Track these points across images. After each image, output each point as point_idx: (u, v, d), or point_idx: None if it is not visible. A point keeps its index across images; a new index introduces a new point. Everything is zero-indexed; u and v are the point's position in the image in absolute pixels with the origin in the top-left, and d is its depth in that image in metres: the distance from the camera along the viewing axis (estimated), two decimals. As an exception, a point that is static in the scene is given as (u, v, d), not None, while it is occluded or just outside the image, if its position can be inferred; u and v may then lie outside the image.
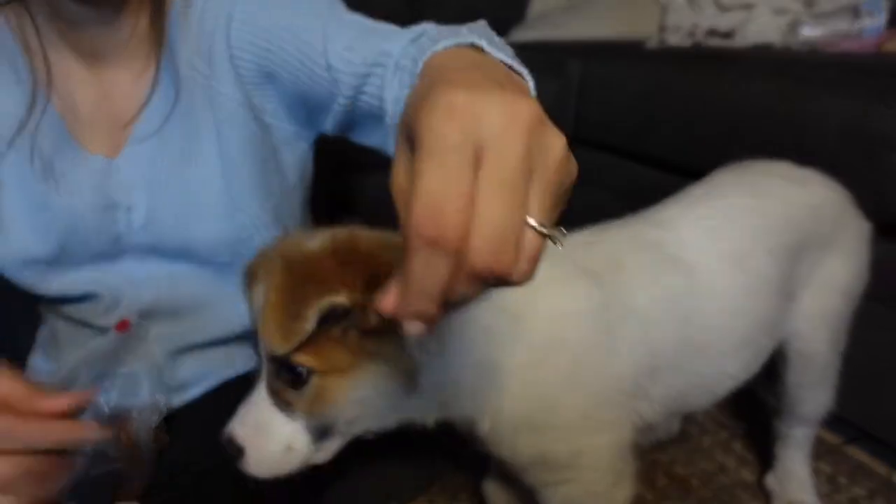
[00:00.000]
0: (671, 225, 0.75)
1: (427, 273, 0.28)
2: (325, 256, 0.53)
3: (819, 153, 0.86)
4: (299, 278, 0.52)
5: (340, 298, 0.51)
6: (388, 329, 0.51)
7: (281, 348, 0.53)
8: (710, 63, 1.39)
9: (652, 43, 1.69)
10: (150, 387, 0.71)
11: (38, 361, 0.81)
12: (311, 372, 0.55)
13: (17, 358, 0.81)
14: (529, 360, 0.63)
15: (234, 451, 0.57)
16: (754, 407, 1.15)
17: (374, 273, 0.49)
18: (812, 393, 0.90)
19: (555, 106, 1.57)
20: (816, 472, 1.03)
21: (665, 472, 1.08)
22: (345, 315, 0.53)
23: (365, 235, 0.56)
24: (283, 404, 0.57)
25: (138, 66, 0.69)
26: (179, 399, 0.77)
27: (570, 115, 1.59)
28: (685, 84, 1.30)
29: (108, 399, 0.67)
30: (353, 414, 0.58)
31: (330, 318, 0.52)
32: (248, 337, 0.81)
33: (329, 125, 0.72)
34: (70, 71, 0.68)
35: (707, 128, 1.24)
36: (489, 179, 0.27)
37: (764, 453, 1.07)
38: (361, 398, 0.57)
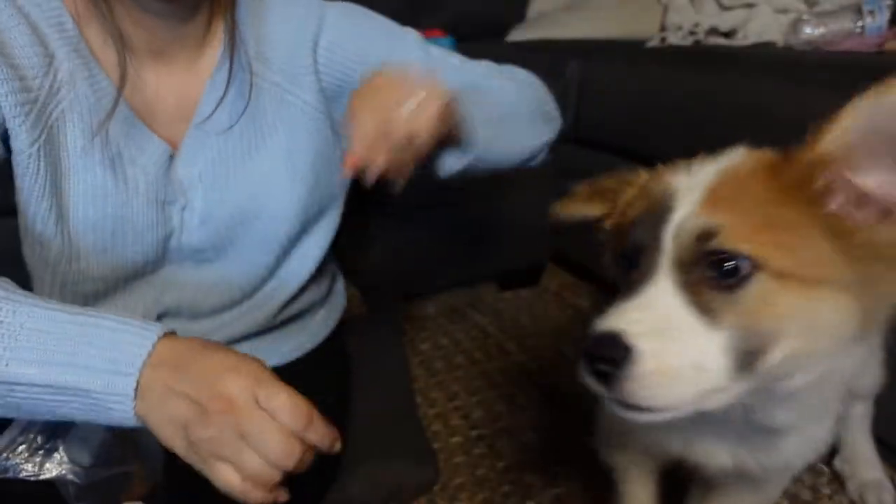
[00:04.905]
0: None
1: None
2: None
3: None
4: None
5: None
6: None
7: (722, 227, 0.42)
8: (711, 62, 1.39)
9: (653, 42, 1.69)
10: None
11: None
12: (756, 267, 0.42)
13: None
14: None
15: (617, 355, 0.41)
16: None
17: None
18: (865, 368, 0.86)
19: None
20: (819, 473, 1.03)
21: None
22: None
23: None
24: (703, 309, 0.43)
25: (198, 64, 0.71)
26: None
27: (570, 115, 1.59)
28: (685, 84, 1.29)
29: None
30: (795, 341, 0.43)
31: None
32: (264, 335, 0.81)
33: None
34: (142, 70, 0.68)
35: (707, 128, 1.23)
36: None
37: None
38: (816, 321, 0.43)
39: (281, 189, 0.73)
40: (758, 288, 0.42)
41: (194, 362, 0.46)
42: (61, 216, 0.64)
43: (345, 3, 0.79)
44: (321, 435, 0.47)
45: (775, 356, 0.44)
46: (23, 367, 0.44)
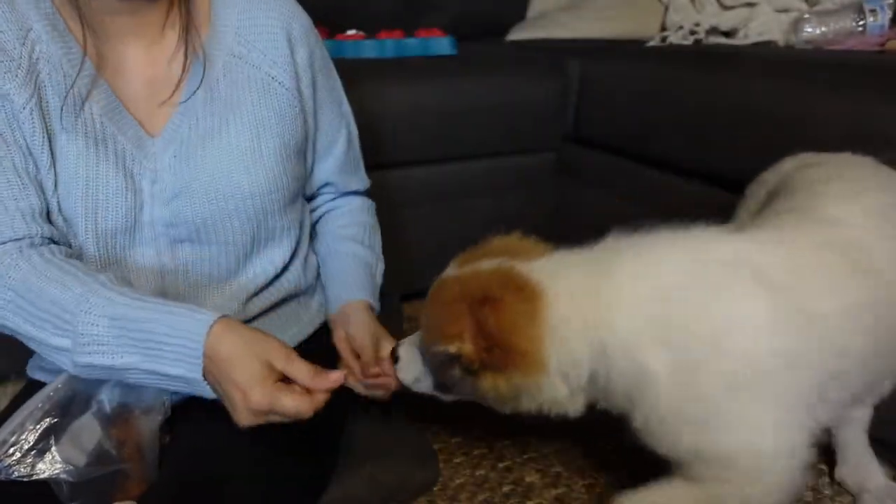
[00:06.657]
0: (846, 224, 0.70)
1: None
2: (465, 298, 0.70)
3: (821, 152, 0.86)
4: (454, 307, 0.70)
5: (453, 348, 0.68)
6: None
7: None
8: (712, 62, 1.39)
9: (653, 42, 1.69)
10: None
11: (40, 359, 0.80)
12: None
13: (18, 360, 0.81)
14: (685, 365, 0.63)
15: (395, 359, 0.80)
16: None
17: (487, 330, 0.66)
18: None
19: (555, 106, 1.56)
20: (819, 473, 1.03)
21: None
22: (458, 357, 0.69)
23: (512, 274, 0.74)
24: (422, 352, 0.77)
25: (161, 45, 0.74)
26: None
27: (570, 115, 1.59)
28: (686, 83, 1.29)
29: (111, 398, 0.67)
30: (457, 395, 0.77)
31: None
32: (252, 323, 0.81)
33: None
34: (110, 49, 0.72)
35: (708, 127, 1.23)
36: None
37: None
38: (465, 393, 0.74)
39: (255, 165, 0.75)
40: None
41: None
42: (55, 179, 0.69)
43: (313, 31, 0.83)
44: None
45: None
46: (129, 358, 0.62)
